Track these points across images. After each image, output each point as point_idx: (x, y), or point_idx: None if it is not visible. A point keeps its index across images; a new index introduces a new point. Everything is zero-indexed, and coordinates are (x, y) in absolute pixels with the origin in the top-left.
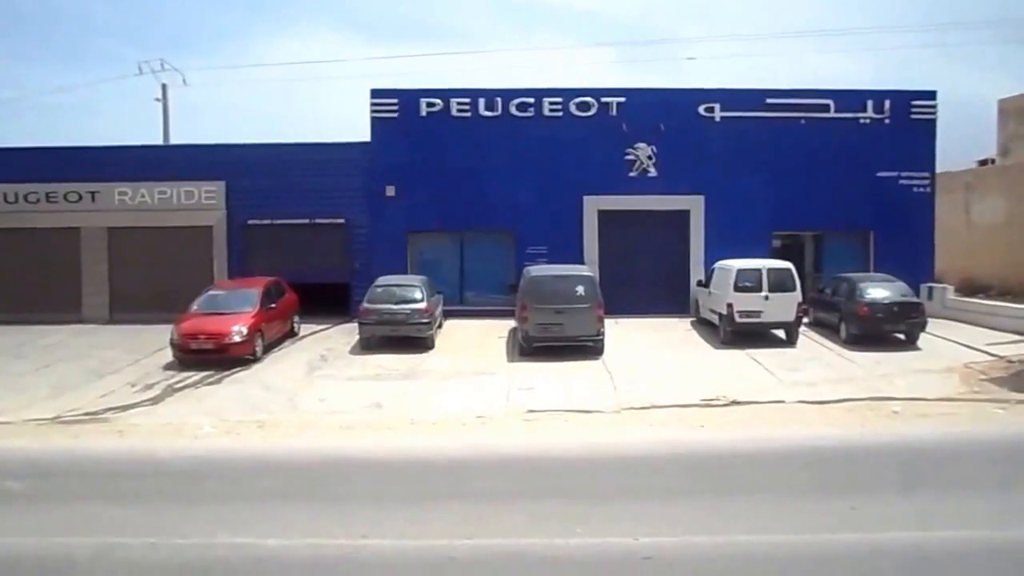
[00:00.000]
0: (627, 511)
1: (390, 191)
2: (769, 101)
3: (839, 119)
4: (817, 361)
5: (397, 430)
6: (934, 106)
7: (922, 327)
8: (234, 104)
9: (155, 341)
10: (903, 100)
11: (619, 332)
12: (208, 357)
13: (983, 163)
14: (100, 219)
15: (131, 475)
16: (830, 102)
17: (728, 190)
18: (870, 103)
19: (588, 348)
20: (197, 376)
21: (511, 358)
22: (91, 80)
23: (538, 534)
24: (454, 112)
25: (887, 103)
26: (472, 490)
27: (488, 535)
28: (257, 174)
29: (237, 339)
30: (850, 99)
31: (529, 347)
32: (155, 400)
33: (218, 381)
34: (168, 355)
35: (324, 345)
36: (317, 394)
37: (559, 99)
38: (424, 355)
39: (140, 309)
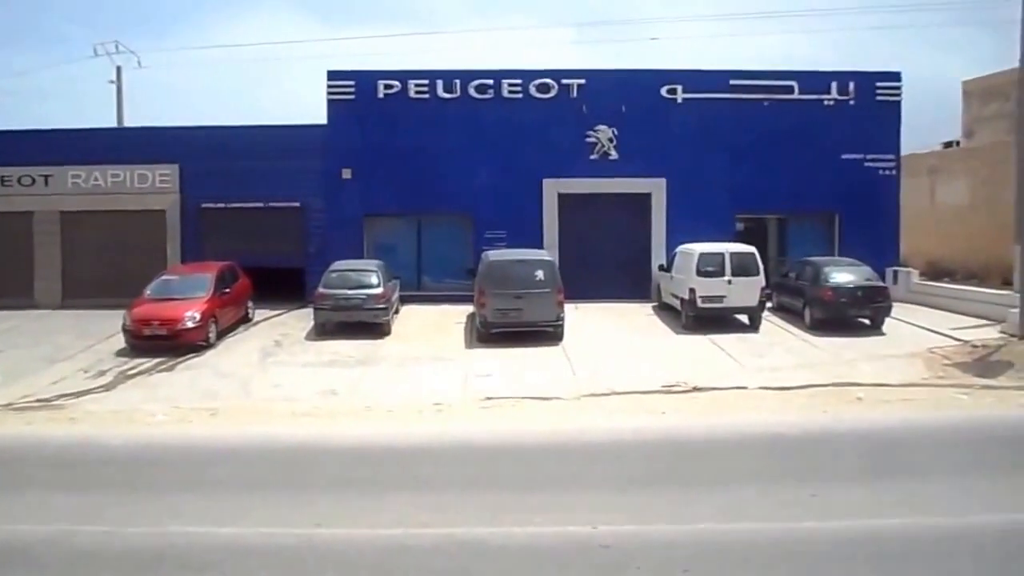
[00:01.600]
0: (585, 500)
1: (346, 174)
2: (733, 83)
3: (803, 101)
4: (780, 347)
5: (352, 417)
6: (899, 88)
7: (887, 312)
8: (190, 87)
9: (107, 327)
10: (868, 82)
11: (579, 317)
12: (161, 343)
13: (948, 145)
14: (53, 203)
15: (84, 463)
16: (794, 84)
17: (691, 173)
18: (834, 85)
19: (547, 334)
20: (150, 363)
21: (469, 344)
22: (45, 63)
23: (495, 523)
24: (412, 94)
25: (852, 85)
26: (428, 478)
27: (444, 524)
28: (212, 157)
29: (190, 325)
30: (814, 81)
31: (487, 333)
32: (108, 387)
33: (171, 368)
34: (121, 341)
35: (278, 331)
36: (271, 381)
37: (518, 81)
38: (380, 341)
39: (93, 294)
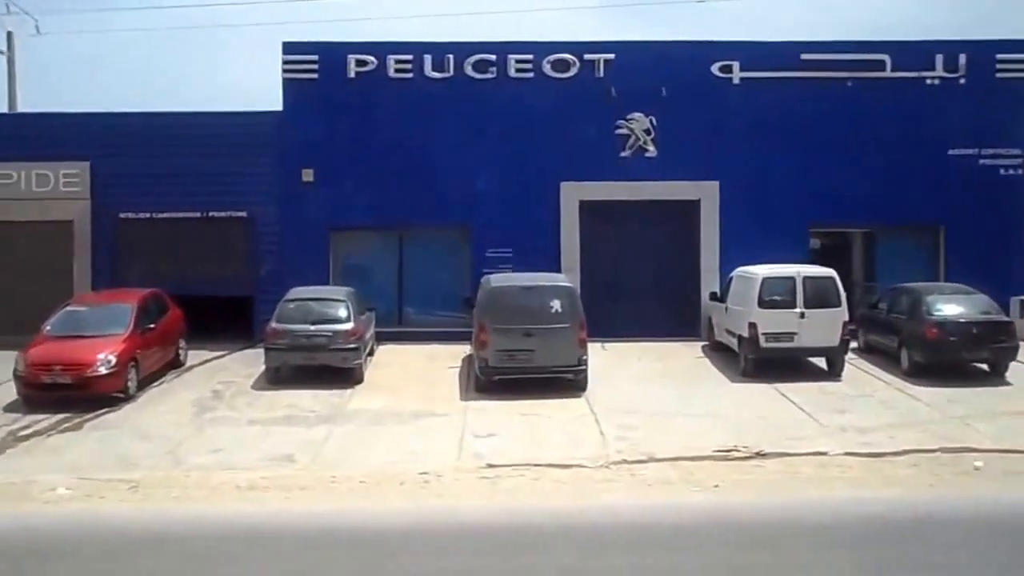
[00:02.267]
0: None
1: (307, 176)
2: (805, 57)
3: (898, 80)
4: (870, 399)
5: (314, 491)
6: None
7: (1012, 354)
8: (104, 60)
9: None
10: (984, 54)
11: (608, 361)
12: (65, 394)
13: None
14: None
15: None
16: (886, 58)
17: (751, 174)
18: (939, 58)
19: (567, 382)
20: (50, 420)
21: (465, 395)
22: None
23: None
24: (392, 73)
25: (963, 58)
26: (408, 570)
27: None
28: (133, 153)
29: (103, 371)
30: (913, 53)
31: (489, 381)
32: None
33: (78, 427)
34: (12, 392)
35: (219, 378)
36: (209, 444)
37: (529, 56)
38: (350, 391)
39: None
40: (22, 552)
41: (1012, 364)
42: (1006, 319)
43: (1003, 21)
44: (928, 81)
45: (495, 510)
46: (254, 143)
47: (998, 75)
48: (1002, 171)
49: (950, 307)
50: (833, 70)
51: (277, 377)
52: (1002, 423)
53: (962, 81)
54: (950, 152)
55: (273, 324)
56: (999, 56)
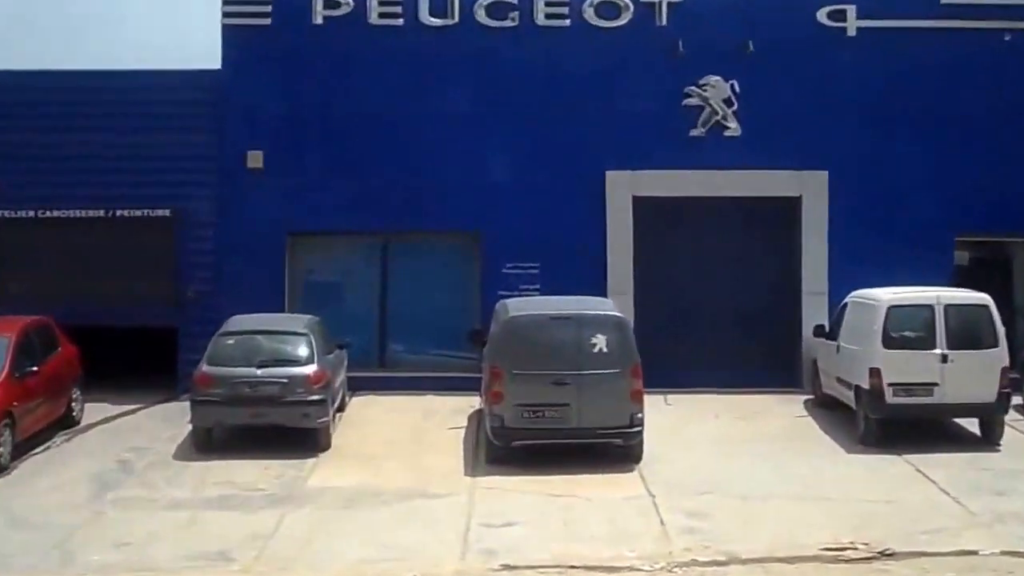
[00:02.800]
0: None
1: (255, 160)
2: (946, 1)
3: None
4: None
5: None
6: None
7: None
8: None
9: None
10: None
11: (673, 420)
12: None
13: None
14: None
15: None
16: None
17: (873, 162)
18: None
19: (615, 450)
20: None
21: (473, 468)
22: None
23: None
24: (375, 18)
25: None
26: None
27: None
28: (8, 128)
29: None
30: None
31: (506, 448)
32: None
33: None
34: None
35: (128, 442)
36: (113, 535)
37: None
38: (312, 461)
39: None
40: None
41: None
42: None
43: None
44: None
45: None
46: (181, 115)
47: None
48: None
49: None
50: (988, 19)
51: (209, 442)
52: None
53: None
54: None
55: (204, 368)
56: None
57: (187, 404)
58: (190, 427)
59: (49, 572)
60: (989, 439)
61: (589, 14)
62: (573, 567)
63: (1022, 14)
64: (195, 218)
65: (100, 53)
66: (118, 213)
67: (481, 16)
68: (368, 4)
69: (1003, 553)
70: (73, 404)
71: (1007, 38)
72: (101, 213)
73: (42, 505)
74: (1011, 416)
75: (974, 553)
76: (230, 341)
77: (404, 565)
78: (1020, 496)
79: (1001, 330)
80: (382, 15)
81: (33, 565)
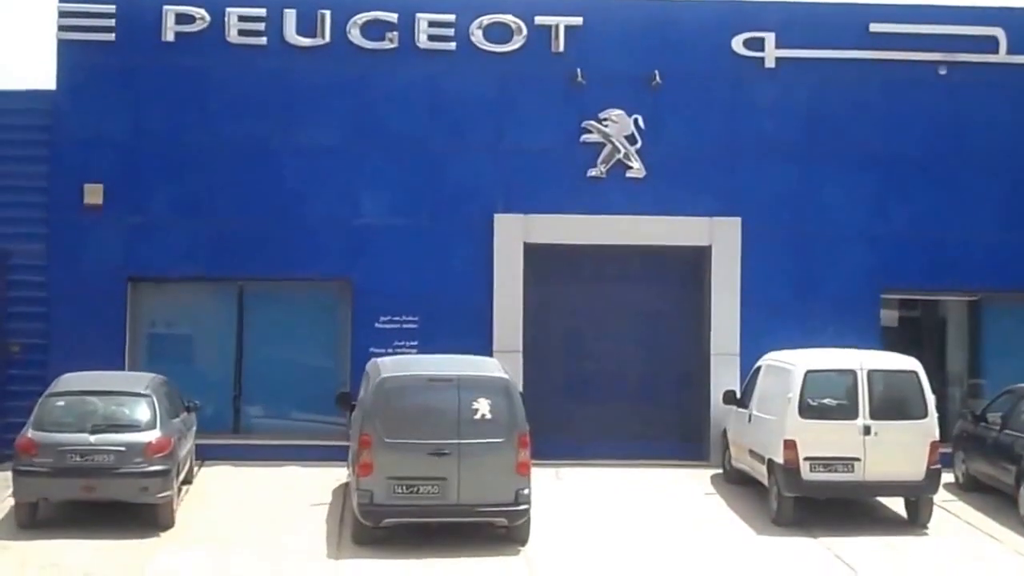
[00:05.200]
0: None
1: (94, 195)
2: (876, 29)
3: (1017, 66)
4: (977, 568)
5: None
6: None
7: None
8: None
9: None
10: None
11: (565, 498)
12: None
13: None
14: None
15: None
16: (998, 33)
17: (791, 208)
18: None
19: (497, 533)
20: None
21: (336, 552)
22: None
23: None
24: (234, 36)
25: None
26: None
27: None
28: None
29: None
30: None
31: (375, 526)
32: None
33: None
34: None
35: None
36: None
37: (449, 17)
38: (153, 541)
39: None
40: None
41: None
42: None
43: None
44: None
45: None
46: (9, 141)
47: None
48: None
49: None
50: (922, 51)
51: (34, 518)
52: None
53: None
54: None
55: (29, 433)
56: None
57: (8, 474)
58: (11, 501)
59: None
60: (916, 521)
61: (477, 36)
62: None
63: (959, 46)
64: (22, 261)
65: None
66: None
67: (355, 36)
68: (226, 20)
69: None
70: None
71: (942, 72)
72: None
73: None
74: (941, 496)
75: None
76: (60, 403)
77: None
78: None
79: (931, 399)
80: (242, 32)
81: None
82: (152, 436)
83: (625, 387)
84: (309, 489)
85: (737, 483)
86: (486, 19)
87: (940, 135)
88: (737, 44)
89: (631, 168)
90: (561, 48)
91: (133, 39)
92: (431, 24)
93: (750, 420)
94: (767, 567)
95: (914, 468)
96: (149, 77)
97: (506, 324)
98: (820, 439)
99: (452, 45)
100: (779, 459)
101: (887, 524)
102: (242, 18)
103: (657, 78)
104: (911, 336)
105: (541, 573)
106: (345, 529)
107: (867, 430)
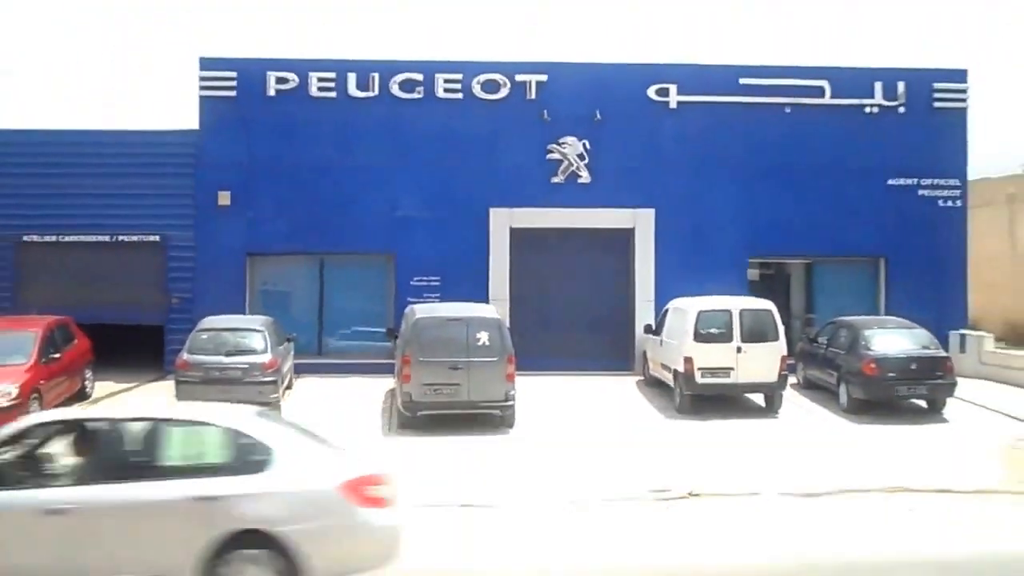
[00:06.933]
0: None
1: (224, 199)
2: (744, 82)
3: (839, 107)
4: (807, 438)
5: None
6: (964, 91)
7: (950, 391)
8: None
9: None
10: (923, 83)
11: (538, 396)
12: None
13: None
14: None
15: None
16: (825, 84)
17: (688, 202)
18: (879, 86)
19: (494, 418)
20: None
21: (388, 431)
22: None
23: None
24: (314, 91)
25: (901, 86)
26: None
27: None
28: (36, 173)
29: (3, 404)
30: (853, 80)
31: (413, 416)
32: None
33: None
34: None
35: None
36: None
37: (458, 76)
38: None
39: None
40: None
41: (950, 401)
42: (944, 354)
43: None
44: (867, 109)
45: (413, 554)
46: (168, 163)
47: (935, 104)
48: (941, 202)
49: (889, 342)
50: (772, 95)
51: None
52: (939, 463)
53: (901, 110)
54: (889, 182)
55: (184, 355)
56: (936, 85)
57: (172, 383)
58: (174, 399)
59: None
60: (771, 408)
61: (476, 89)
62: (465, 505)
63: (798, 93)
64: (177, 242)
65: (118, 110)
66: (119, 238)
67: (395, 90)
68: (309, 80)
69: (780, 494)
70: (86, 382)
71: (787, 111)
72: (106, 238)
73: None
74: (788, 392)
75: (758, 494)
76: (204, 335)
77: None
78: (793, 452)
79: (781, 328)
80: (320, 89)
81: None
82: (265, 358)
83: (577, 323)
84: (368, 392)
85: (653, 386)
86: (483, 77)
87: (786, 153)
88: (651, 92)
89: (581, 176)
90: (533, 96)
91: (247, 94)
92: (445, 80)
93: (661, 344)
94: (673, 436)
95: (770, 374)
96: (258, 120)
97: (497, 282)
98: (708, 356)
99: (459, 95)
100: (681, 369)
101: (752, 411)
102: (319, 79)
103: (598, 115)
104: (767, 287)
105: (524, 443)
106: (392, 418)
107: (739, 349)
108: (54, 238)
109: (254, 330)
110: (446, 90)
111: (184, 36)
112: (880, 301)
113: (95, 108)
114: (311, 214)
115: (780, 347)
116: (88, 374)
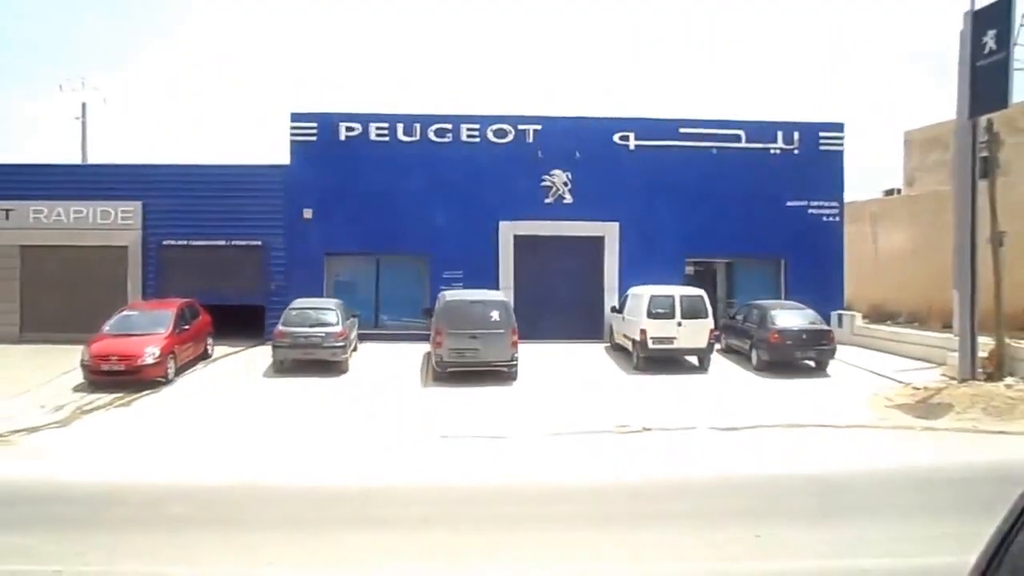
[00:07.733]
0: (536, 539)
1: (307, 214)
2: (683, 131)
3: (750, 149)
4: (728, 387)
5: (308, 455)
6: (842, 138)
7: (831, 354)
8: (154, 119)
9: (66, 362)
10: (812, 132)
11: (534, 357)
12: (119, 379)
13: (889, 193)
14: (13, 237)
15: (36, 500)
16: (741, 132)
17: (642, 217)
18: (780, 134)
19: (502, 373)
20: (107, 398)
21: (425, 383)
22: (10, 99)
23: (448, 562)
24: (373, 136)
25: (796, 134)
26: (382, 518)
27: (399, 563)
28: (174, 195)
29: (150, 361)
30: (761, 130)
31: (443, 372)
32: (63, 423)
33: (128, 404)
34: (79, 376)
35: (238, 367)
36: (226, 417)
37: (476, 125)
38: (337, 379)
39: (52, 328)
40: (86, 499)
41: (832, 361)
42: (827, 328)
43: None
44: (772, 151)
45: (445, 471)
46: (267, 188)
47: (821, 147)
48: (824, 218)
49: (787, 318)
50: (703, 141)
51: (282, 367)
52: (822, 406)
53: (796, 151)
54: (788, 204)
55: (280, 327)
56: (822, 133)
57: (270, 347)
58: (272, 359)
59: (193, 435)
60: (702, 367)
61: (490, 135)
62: (481, 436)
63: (722, 139)
64: (275, 246)
65: (229, 146)
66: (232, 242)
67: (431, 135)
68: (369, 129)
69: (709, 428)
70: (208, 347)
71: (714, 152)
72: (222, 242)
73: (189, 400)
74: (714, 356)
75: (693, 428)
76: (294, 312)
77: (387, 435)
78: (718, 398)
79: (710, 309)
80: (377, 135)
81: (183, 432)
82: (337, 329)
83: (563, 305)
84: (410, 355)
85: (617, 351)
86: (495, 126)
87: (713, 182)
88: (616, 138)
89: (565, 198)
90: (531, 140)
91: (325, 138)
92: (468, 129)
93: (624, 320)
94: (632, 387)
95: (701, 342)
96: (332, 157)
97: (505, 274)
98: (657, 328)
99: (478, 139)
100: (638, 338)
101: (689, 369)
102: (376, 128)
103: (577, 155)
104: (699, 279)
105: (524, 391)
106: (428, 373)
107: (679, 324)
108: (185, 242)
109: (329, 309)
110: (468, 135)
111: (275, 87)
112: (782, 290)
113: (208, 143)
114: (370, 225)
115: (709, 323)
116: (209, 341)
